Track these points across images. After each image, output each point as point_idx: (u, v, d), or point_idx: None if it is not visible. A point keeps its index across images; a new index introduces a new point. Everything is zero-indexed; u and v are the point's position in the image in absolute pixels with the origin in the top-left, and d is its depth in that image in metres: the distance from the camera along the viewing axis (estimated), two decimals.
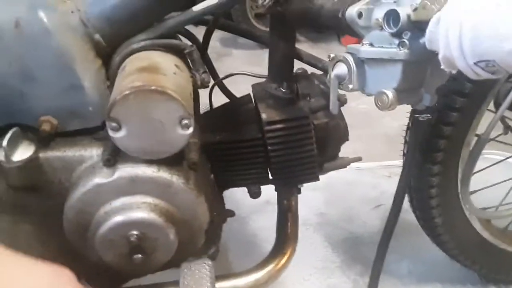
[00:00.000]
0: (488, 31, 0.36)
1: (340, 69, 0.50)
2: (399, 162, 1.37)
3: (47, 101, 0.61)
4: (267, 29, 0.72)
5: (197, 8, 0.61)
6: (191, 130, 0.57)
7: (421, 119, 0.49)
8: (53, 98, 0.61)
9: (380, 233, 1.35)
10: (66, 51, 0.60)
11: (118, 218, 0.59)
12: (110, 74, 0.65)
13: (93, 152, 0.61)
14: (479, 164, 0.89)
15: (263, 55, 0.84)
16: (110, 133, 0.56)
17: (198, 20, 0.69)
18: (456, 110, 0.79)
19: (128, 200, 0.59)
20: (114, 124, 0.55)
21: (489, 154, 1.12)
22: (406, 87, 0.46)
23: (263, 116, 0.72)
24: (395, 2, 0.48)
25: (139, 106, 0.54)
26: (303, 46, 2.61)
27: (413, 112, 0.52)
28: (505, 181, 0.97)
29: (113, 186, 0.59)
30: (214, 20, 0.71)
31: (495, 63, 0.38)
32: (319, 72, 0.79)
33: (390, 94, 0.45)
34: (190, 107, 0.58)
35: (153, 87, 0.54)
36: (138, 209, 0.59)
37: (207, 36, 0.74)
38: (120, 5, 0.62)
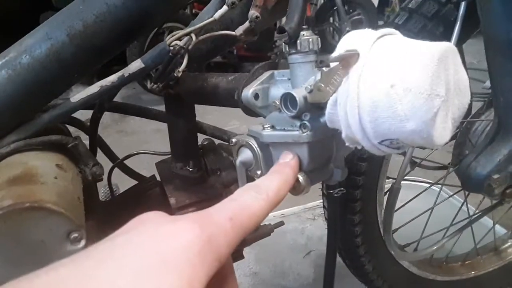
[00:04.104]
0: (386, 113, 0.34)
1: (245, 155, 0.45)
2: (321, 202, 1.38)
3: None
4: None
5: (75, 99, 0.53)
6: (83, 242, 0.48)
7: (335, 194, 0.46)
8: None
9: (314, 282, 1.33)
10: None
11: None
12: None
13: None
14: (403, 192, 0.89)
15: None
16: None
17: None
18: (365, 160, 0.80)
19: None
20: None
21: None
22: (315, 167, 0.43)
23: (172, 201, 0.65)
24: (289, 79, 0.46)
25: (12, 230, 0.44)
26: None
27: (327, 188, 0.50)
28: (422, 214, 0.99)
29: None
30: (100, 105, 0.63)
31: (399, 141, 0.37)
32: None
33: (301, 178, 0.41)
34: (79, 215, 0.49)
35: (27, 204, 0.44)
36: None
37: (95, 122, 0.66)
38: None
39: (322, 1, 4.11)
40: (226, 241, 0.24)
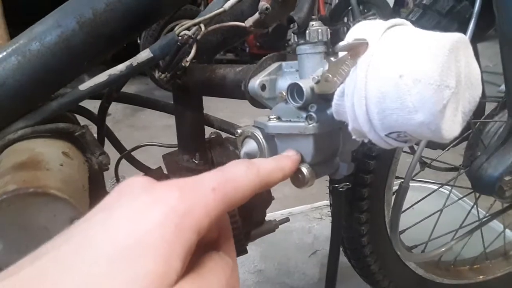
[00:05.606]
0: (394, 104, 0.33)
1: (250, 146, 0.45)
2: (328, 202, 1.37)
3: None
4: None
5: (84, 86, 0.54)
6: None
7: (340, 189, 0.45)
8: None
9: (320, 282, 1.32)
10: None
11: None
12: None
13: None
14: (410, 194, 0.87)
15: None
16: None
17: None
18: (373, 158, 0.78)
19: None
20: None
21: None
22: (321, 160, 0.43)
23: None
24: (297, 71, 0.45)
25: (15, 215, 0.44)
26: None
27: (331, 182, 0.49)
28: (430, 215, 0.98)
29: None
30: (108, 95, 0.63)
31: (406, 134, 0.36)
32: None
33: (305, 170, 0.41)
34: (83, 203, 0.49)
35: (31, 189, 0.44)
36: None
37: (103, 111, 0.66)
38: None
39: (337, 0, 4.09)
40: (206, 212, 0.23)
